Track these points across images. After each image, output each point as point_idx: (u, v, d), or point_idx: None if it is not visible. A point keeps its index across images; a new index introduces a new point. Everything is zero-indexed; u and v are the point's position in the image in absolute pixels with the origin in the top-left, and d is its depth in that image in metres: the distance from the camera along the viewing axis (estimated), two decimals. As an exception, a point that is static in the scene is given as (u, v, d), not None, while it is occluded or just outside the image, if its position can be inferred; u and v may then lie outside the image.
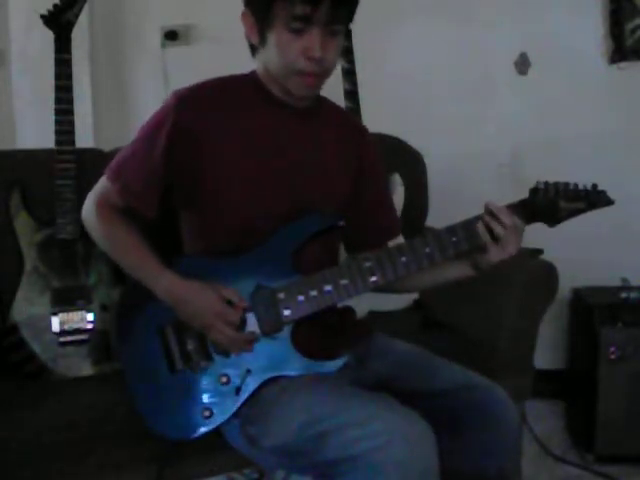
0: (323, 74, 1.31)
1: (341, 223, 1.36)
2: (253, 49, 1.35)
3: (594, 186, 1.32)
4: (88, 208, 1.39)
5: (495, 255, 1.29)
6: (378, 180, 1.54)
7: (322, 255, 1.38)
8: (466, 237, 1.30)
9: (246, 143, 1.34)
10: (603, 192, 1.32)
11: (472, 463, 1.29)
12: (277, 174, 1.35)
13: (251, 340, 1.29)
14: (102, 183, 1.38)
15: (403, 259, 1.29)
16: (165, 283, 1.30)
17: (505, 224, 1.27)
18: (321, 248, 1.38)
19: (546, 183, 1.32)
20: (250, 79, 1.37)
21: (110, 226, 1.36)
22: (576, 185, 1.32)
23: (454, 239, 1.30)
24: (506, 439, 1.29)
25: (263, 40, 1.28)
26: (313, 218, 1.34)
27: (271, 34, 1.26)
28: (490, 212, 1.28)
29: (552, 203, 1.32)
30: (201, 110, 1.32)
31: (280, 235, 1.32)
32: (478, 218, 1.30)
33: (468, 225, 1.30)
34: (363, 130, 1.53)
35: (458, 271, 1.38)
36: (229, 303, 1.28)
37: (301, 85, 1.30)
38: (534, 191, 1.32)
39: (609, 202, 1.32)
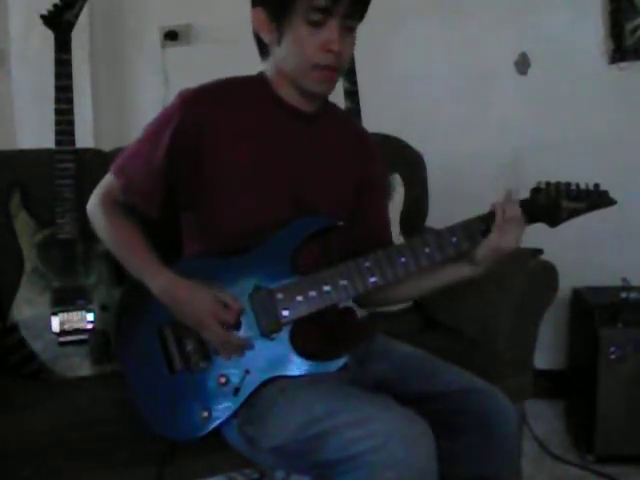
0: (339, 69, 1.30)
1: (340, 223, 1.36)
2: (263, 50, 1.34)
3: (596, 186, 1.31)
4: (93, 202, 1.40)
5: (495, 240, 1.27)
6: (380, 188, 1.53)
7: (321, 256, 1.38)
8: (466, 237, 1.29)
9: (249, 145, 1.33)
10: (605, 192, 1.31)
11: (470, 467, 1.28)
12: (278, 176, 1.35)
13: (243, 345, 1.29)
14: (107, 179, 1.40)
15: (402, 259, 1.29)
16: (162, 281, 1.31)
17: (513, 213, 1.27)
18: (320, 248, 1.37)
19: (547, 183, 1.32)
20: (257, 81, 1.37)
21: (112, 221, 1.37)
22: (578, 185, 1.31)
23: (454, 239, 1.29)
24: (505, 444, 1.29)
25: (279, 37, 1.27)
26: (312, 218, 1.34)
27: (288, 30, 1.25)
28: (506, 196, 1.28)
29: (554, 203, 1.31)
30: (206, 111, 1.31)
31: (279, 236, 1.32)
32: (479, 218, 1.30)
33: (468, 225, 1.30)
34: (368, 137, 1.51)
35: (455, 272, 1.36)
36: (225, 306, 1.28)
37: (319, 80, 1.29)
38: (535, 191, 1.32)
39: (611, 202, 1.32)
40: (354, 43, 1.32)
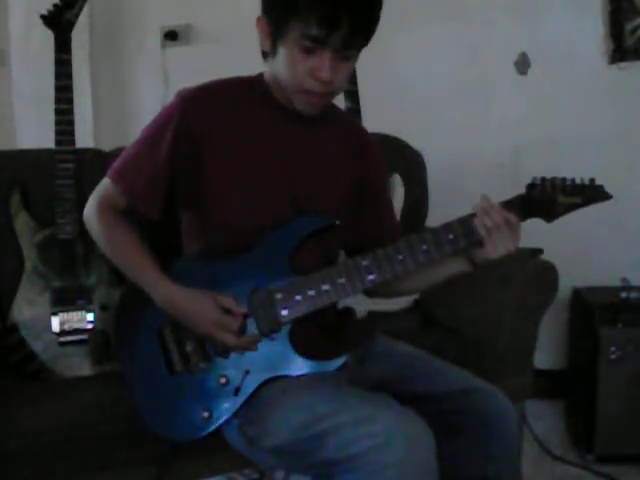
0: (329, 95, 1.30)
1: (337, 222, 1.36)
2: (265, 54, 1.34)
3: (592, 180, 1.31)
4: (90, 210, 1.38)
5: (492, 252, 1.28)
6: (381, 187, 1.53)
7: (320, 255, 1.38)
8: (463, 234, 1.29)
9: (247, 145, 1.33)
10: (601, 186, 1.31)
11: (470, 467, 1.29)
12: (277, 177, 1.35)
13: (254, 341, 1.29)
14: (104, 184, 1.38)
15: (400, 257, 1.29)
16: (163, 292, 1.30)
17: (497, 221, 1.26)
18: (318, 248, 1.37)
19: (543, 178, 1.31)
20: (256, 82, 1.37)
21: (111, 230, 1.36)
22: (573, 180, 1.31)
23: (451, 236, 1.29)
24: (505, 443, 1.29)
25: (274, 50, 1.27)
26: (310, 218, 1.34)
27: (283, 47, 1.24)
28: (482, 209, 1.27)
29: (549, 198, 1.31)
30: (205, 111, 1.31)
31: (277, 236, 1.32)
32: (474, 215, 1.29)
33: (465, 221, 1.29)
34: (367, 137, 1.51)
35: (455, 267, 1.37)
36: (228, 311, 1.28)
37: (305, 103, 1.29)
38: (531, 186, 1.32)
39: (607, 197, 1.32)
40: (350, 70, 1.29)
